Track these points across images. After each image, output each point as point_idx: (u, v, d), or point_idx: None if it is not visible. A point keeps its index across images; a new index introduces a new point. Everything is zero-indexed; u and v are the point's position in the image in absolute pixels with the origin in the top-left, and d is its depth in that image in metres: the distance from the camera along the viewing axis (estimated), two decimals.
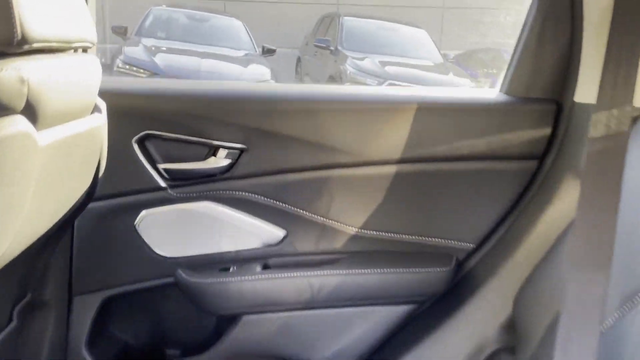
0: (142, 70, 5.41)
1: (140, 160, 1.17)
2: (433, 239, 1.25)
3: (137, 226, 1.21)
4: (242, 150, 1.19)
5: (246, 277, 1.19)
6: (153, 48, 5.82)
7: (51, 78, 0.70)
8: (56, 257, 1.15)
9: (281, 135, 1.18)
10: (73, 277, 1.21)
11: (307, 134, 1.18)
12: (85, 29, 0.82)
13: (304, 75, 7.73)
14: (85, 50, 0.89)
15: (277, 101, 1.20)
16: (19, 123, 0.64)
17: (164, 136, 1.17)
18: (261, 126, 1.18)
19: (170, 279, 1.23)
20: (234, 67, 5.81)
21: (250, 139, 1.18)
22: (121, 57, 5.59)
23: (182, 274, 1.20)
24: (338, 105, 1.21)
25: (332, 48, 6.81)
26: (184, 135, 1.17)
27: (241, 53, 6.23)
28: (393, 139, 1.19)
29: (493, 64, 8.17)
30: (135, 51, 5.74)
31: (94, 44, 0.87)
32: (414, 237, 1.25)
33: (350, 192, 1.22)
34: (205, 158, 1.19)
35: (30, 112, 0.67)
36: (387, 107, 1.21)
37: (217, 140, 1.18)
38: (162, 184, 1.19)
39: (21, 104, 0.65)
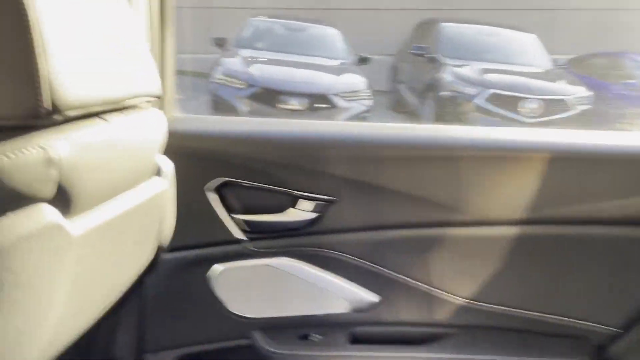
0: (238, 81, 5.49)
1: (215, 210, 1.05)
2: (564, 319, 1.01)
3: (210, 281, 1.09)
4: (329, 202, 1.02)
5: (331, 352, 1.02)
6: (250, 59, 5.88)
7: (92, 151, 0.56)
8: (125, 313, 1.05)
9: (376, 186, 1.00)
10: (144, 334, 1.11)
11: (408, 185, 0.99)
12: (144, 81, 0.68)
13: (399, 83, 7.47)
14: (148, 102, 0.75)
15: (372, 146, 1.02)
16: (45, 214, 0.51)
17: (242, 184, 1.03)
18: (353, 175, 1.00)
19: (246, 341, 1.10)
20: (328, 77, 5.76)
21: (340, 189, 1.01)
22: (220, 68, 5.71)
23: (259, 340, 1.06)
24: (446, 151, 1.00)
25: (429, 56, 6.49)
26: (264, 183, 1.03)
27: (336, 62, 6.15)
28: (517, 194, 0.97)
29: (610, 70, 7.39)
30: (233, 62, 5.86)
31: (157, 97, 0.73)
32: (538, 315, 1.01)
33: (459, 255, 1.01)
34: (287, 209, 1.04)
35: (63, 198, 0.53)
36: (511, 155, 0.98)
37: (301, 190, 1.02)
38: (239, 236, 1.06)
39: (50, 191, 0.51)
